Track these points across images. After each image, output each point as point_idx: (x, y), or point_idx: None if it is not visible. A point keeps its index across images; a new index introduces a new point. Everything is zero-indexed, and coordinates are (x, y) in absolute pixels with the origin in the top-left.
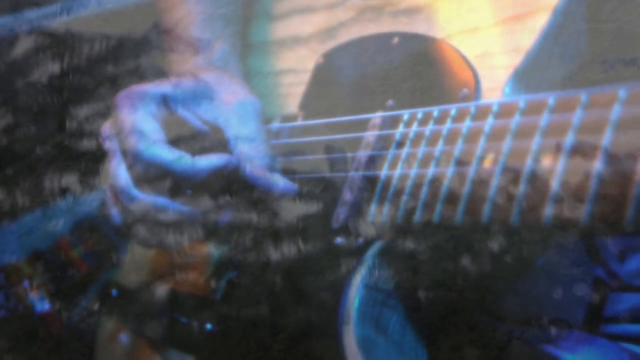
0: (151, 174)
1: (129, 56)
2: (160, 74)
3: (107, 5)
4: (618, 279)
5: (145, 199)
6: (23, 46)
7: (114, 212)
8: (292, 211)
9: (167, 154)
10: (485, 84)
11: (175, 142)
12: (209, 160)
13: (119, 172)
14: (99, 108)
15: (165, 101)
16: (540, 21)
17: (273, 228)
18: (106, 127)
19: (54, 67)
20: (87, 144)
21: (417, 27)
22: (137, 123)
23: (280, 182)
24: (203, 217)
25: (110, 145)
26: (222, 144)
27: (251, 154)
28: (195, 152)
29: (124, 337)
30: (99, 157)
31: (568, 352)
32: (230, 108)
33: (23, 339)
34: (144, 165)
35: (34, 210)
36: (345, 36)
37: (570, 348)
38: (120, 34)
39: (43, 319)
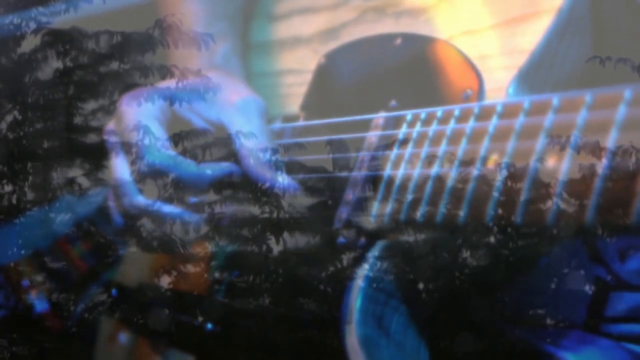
0: (158, 168)
1: (133, 53)
2: (164, 71)
3: (110, 4)
4: (619, 279)
5: (144, 202)
6: (29, 43)
7: (114, 211)
8: (295, 210)
9: (171, 161)
10: (487, 85)
11: (178, 141)
12: (213, 169)
13: (121, 172)
14: (104, 104)
15: (169, 102)
16: (542, 23)
17: (274, 225)
18: (110, 127)
19: (59, 64)
20: (92, 140)
21: (420, 28)
22: (141, 126)
23: (282, 180)
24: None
25: (114, 144)
26: (225, 143)
27: (254, 151)
28: (199, 151)
29: (124, 337)
30: (103, 154)
31: (569, 351)
32: (234, 106)
33: (23, 338)
34: (147, 168)
35: (36, 208)
36: (348, 37)
37: (571, 348)
38: (124, 32)
39: (43, 318)
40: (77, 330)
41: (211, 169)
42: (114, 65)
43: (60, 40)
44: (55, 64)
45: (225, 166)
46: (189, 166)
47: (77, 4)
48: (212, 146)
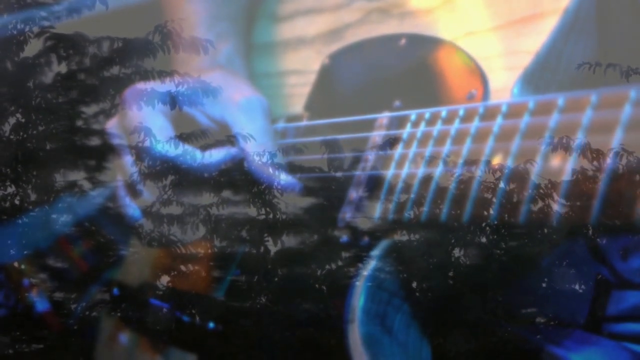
0: (159, 168)
1: (134, 57)
2: (166, 75)
3: (114, 3)
4: (621, 278)
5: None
6: (32, 46)
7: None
8: (298, 209)
9: (175, 149)
10: (491, 85)
11: (182, 138)
12: (216, 155)
13: (127, 168)
14: (105, 107)
15: (172, 98)
16: (545, 24)
17: (276, 223)
18: (113, 124)
19: (62, 68)
20: (94, 143)
21: (424, 29)
22: (145, 119)
23: (284, 178)
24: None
25: (118, 141)
26: (229, 141)
27: (257, 150)
28: (202, 149)
29: (124, 337)
30: (105, 156)
31: (571, 351)
32: (237, 106)
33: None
34: (152, 161)
35: (37, 208)
36: (351, 38)
37: (573, 347)
38: (125, 37)
39: (44, 316)
40: (79, 328)
41: (213, 155)
42: (115, 69)
43: (63, 44)
44: (58, 67)
45: (227, 151)
46: (193, 153)
47: (80, 8)
48: (216, 146)
